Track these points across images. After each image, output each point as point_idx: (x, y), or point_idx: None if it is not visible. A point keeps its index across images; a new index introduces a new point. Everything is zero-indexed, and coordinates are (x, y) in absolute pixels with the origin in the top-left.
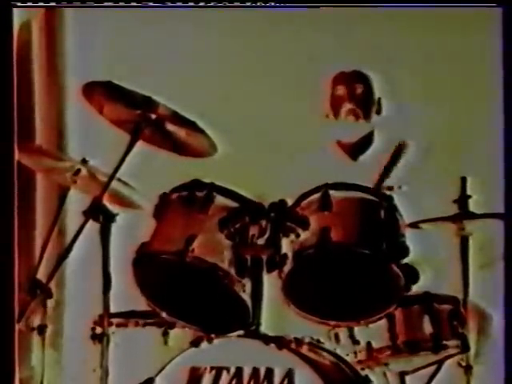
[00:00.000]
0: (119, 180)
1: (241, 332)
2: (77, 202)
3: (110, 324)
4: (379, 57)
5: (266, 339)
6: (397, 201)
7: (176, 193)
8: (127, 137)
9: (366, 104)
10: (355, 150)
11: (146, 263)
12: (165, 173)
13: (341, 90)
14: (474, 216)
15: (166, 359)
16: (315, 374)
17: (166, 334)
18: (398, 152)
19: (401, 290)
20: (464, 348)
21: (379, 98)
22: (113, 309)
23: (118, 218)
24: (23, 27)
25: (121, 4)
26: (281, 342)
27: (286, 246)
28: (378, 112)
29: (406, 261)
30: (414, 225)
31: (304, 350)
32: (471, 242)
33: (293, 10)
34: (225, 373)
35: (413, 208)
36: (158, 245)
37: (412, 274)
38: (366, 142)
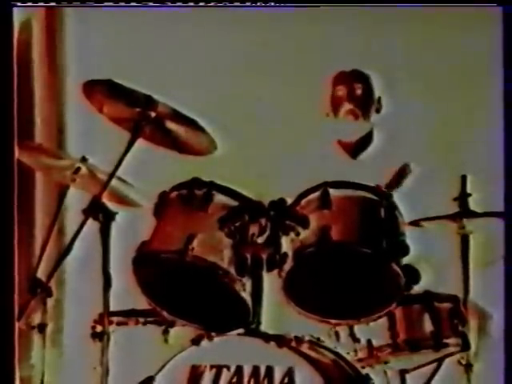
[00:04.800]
0: (119, 178)
1: (241, 330)
2: (76, 200)
3: (111, 322)
4: (379, 56)
5: (267, 337)
6: (397, 199)
7: (176, 191)
8: (127, 135)
9: (365, 104)
10: (355, 148)
11: (145, 262)
12: (164, 171)
13: (341, 91)
14: (474, 214)
15: (166, 357)
16: (315, 372)
17: (166, 333)
18: (401, 174)
19: (401, 289)
20: (464, 346)
21: (379, 97)
22: (113, 307)
23: (117, 216)
24: (23, 27)
25: (121, 4)
26: (281, 341)
27: (285, 244)
28: (378, 111)
29: (406, 259)
30: (414, 223)
31: (304, 348)
32: (471, 240)
33: (293, 10)
34: (225, 371)
35: (413, 206)
36: (158, 243)
37: (413, 275)
38: (365, 140)
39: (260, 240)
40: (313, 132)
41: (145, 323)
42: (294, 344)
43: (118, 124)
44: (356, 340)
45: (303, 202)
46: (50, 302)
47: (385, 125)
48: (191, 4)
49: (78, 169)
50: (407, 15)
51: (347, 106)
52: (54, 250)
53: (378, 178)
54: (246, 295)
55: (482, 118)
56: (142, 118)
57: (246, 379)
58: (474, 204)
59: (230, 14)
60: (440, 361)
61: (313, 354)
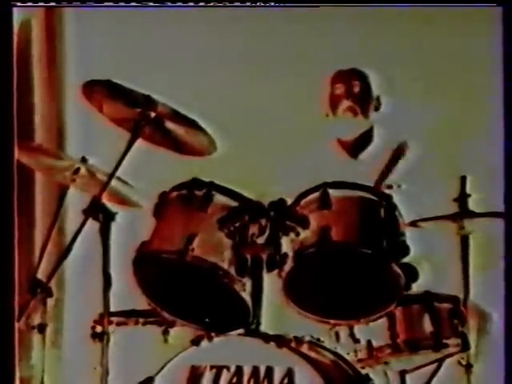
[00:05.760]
0: (119, 179)
1: (241, 331)
2: (76, 200)
3: (110, 323)
4: (379, 56)
5: (266, 338)
6: (396, 199)
7: (175, 191)
8: (127, 135)
9: (363, 101)
10: (355, 148)
11: (146, 262)
12: (164, 171)
13: (339, 89)
14: (474, 215)
15: (166, 358)
16: (315, 372)
17: (166, 333)
18: (398, 152)
19: (401, 289)
20: (464, 347)
21: (378, 96)
22: (113, 307)
23: (117, 216)
24: (23, 27)
25: (121, 4)
26: (281, 341)
27: (285, 245)
28: (377, 109)
29: (405, 260)
30: (414, 224)
31: (304, 348)
32: (471, 240)
33: (293, 10)
34: (225, 371)
35: (413, 207)
36: (158, 244)
37: (411, 273)
38: (365, 139)
39: (260, 240)
40: (312, 132)
41: (145, 323)
42: (293, 344)
43: (118, 124)
44: (356, 340)
45: (303, 202)
46: (49, 302)
47: (385, 124)
48: (191, 4)
49: (78, 169)
50: (407, 15)
51: (346, 103)
52: (54, 251)
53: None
54: (246, 295)
55: (482, 118)
56: (142, 118)
57: (245, 379)
58: (473, 204)
59: (230, 14)
60: (440, 361)
61: (313, 354)
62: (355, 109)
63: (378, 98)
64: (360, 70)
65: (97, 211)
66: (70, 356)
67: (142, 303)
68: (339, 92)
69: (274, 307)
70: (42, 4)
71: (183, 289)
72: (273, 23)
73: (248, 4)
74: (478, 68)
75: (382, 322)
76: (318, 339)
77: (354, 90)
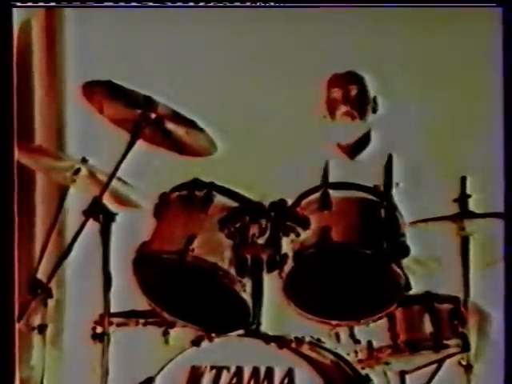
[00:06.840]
0: (119, 179)
1: (241, 331)
2: (77, 201)
3: (111, 323)
4: (379, 57)
5: (267, 338)
6: (397, 200)
7: (176, 192)
8: (127, 136)
9: (360, 104)
10: (353, 149)
11: (146, 263)
12: (165, 172)
13: (336, 93)
14: (474, 215)
15: (166, 358)
16: (316, 373)
17: (166, 334)
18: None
19: (401, 290)
20: (464, 347)
21: (375, 97)
22: (113, 308)
23: (118, 217)
24: (23, 27)
25: (121, 4)
26: (281, 342)
27: (286, 245)
28: (375, 110)
29: (406, 260)
30: (415, 224)
31: (304, 349)
32: (471, 241)
33: (293, 10)
34: (225, 372)
35: (413, 207)
36: (158, 244)
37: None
38: (363, 141)
39: (260, 241)
40: (312, 133)
41: (145, 324)
42: (294, 345)
43: (118, 125)
44: (356, 341)
45: (303, 202)
46: (50, 302)
47: (383, 125)
48: (191, 4)
49: (78, 170)
50: (407, 15)
51: (343, 108)
52: (54, 251)
53: (376, 178)
54: (247, 296)
55: (482, 119)
56: (142, 118)
57: (245, 380)
58: (474, 205)
59: (229, 14)
60: (440, 362)
61: (313, 354)
62: (353, 113)
63: (374, 100)
64: (356, 73)
65: (97, 212)
66: (71, 357)
67: (142, 304)
68: (336, 96)
69: (275, 308)
70: (42, 4)
71: (183, 289)
72: (273, 23)
73: (248, 4)
74: (477, 68)
75: (383, 322)
76: (319, 340)
77: (351, 93)
